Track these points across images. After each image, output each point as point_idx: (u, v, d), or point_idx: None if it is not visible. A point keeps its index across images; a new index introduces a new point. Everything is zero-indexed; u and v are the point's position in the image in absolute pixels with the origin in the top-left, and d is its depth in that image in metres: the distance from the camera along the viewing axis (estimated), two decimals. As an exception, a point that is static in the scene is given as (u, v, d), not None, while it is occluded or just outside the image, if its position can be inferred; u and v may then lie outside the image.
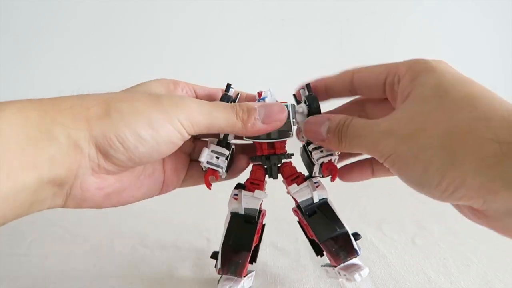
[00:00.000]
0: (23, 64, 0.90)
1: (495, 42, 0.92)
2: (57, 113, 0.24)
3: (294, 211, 0.34)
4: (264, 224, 0.35)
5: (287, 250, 0.42)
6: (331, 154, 0.31)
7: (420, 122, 0.23)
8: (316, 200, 0.31)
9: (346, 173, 0.34)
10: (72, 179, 0.24)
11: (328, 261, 0.34)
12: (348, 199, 0.58)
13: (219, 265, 0.31)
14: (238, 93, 0.33)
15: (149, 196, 0.31)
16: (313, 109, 0.31)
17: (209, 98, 0.33)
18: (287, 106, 0.30)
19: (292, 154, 0.33)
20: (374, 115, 0.33)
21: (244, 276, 0.32)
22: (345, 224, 0.31)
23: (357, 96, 0.33)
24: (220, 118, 0.27)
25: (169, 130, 0.26)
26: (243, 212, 0.31)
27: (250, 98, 0.33)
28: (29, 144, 0.22)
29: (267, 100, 0.31)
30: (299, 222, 0.34)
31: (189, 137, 0.27)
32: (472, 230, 0.47)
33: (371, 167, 0.33)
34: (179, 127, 0.26)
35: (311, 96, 0.31)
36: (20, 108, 0.23)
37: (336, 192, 0.60)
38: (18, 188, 0.22)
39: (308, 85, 0.32)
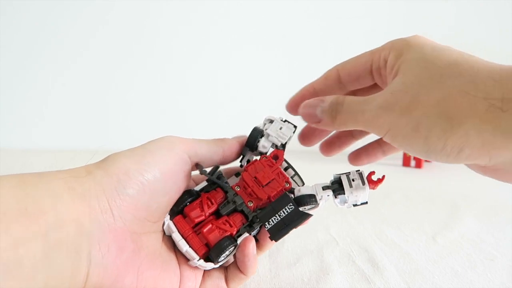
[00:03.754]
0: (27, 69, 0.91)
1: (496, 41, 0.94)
2: (56, 172, 0.23)
3: None
4: None
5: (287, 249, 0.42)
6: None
7: (414, 94, 0.24)
8: None
9: (354, 158, 0.35)
10: (86, 239, 0.22)
11: None
12: (367, 205, 0.58)
13: None
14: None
15: None
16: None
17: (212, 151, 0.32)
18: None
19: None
20: None
21: None
22: None
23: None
24: (208, 140, 0.30)
25: (166, 152, 0.27)
26: None
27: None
28: (28, 205, 0.20)
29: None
30: None
31: (189, 158, 0.28)
32: (491, 229, 0.48)
33: (380, 148, 0.34)
34: (173, 147, 0.27)
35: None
36: (17, 174, 0.22)
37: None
38: (21, 257, 0.19)
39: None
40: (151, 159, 0.26)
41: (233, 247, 0.28)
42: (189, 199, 0.29)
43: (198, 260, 0.28)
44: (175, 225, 0.28)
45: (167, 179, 0.27)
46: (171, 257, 0.28)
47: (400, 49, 0.27)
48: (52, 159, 0.81)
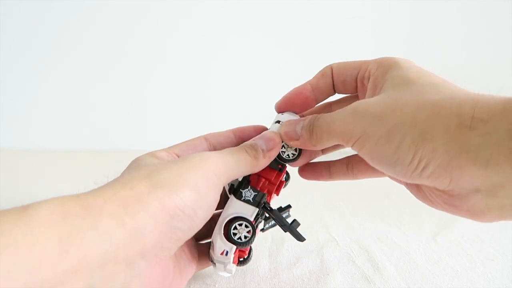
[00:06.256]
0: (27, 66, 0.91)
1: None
2: (103, 202, 0.21)
3: None
4: None
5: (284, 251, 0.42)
6: None
7: (390, 104, 0.24)
8: None
9: (305, 171, 0.35)
10: (137, 275, 0.22)
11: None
12: (367, 205, 0.58)
13: None
14: None
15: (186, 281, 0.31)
16: None
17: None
18: None
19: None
20: None
21: None
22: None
23: (325, 102, 0.34)
24: (242, 160, 0.28)
25: (212, 186, 0.26)
26: None
27: None
28: (71, 245, 0.18)
29: None
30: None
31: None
32: (491, 229, 0.48)
33: (328, 169, 0.34)
34: (217, 180, 0.26)
35: None
36: (58, 205, 0.19)
37: (356, 200, 0.60)
38: None
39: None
40: (204, 196, 0.25)
41: (249, 230, 0.29)
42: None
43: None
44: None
45: (209, 214, 0.26)
46: (180, 250, 0.29)
47: (388, 67, 0.28)
48: (52, 159, 0.81)
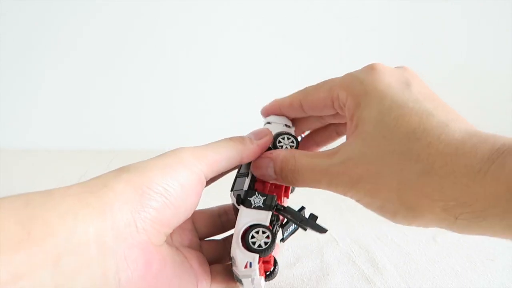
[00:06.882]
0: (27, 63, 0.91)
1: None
2: (66, 189, 0.21)
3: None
4: None
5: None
6: None
7: (375, 174, 0.24)
8: None
9: (311, 145, 0.35)
10: (112, 258, 0.21)
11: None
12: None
13: None
14: None
15: None
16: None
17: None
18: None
19: None
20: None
21: None
22: None
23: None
24: (224, 146, 0.28)
25: (184, 168, 0.25)
26: None
27: None
28: (31, 228, 0.18)
29: None
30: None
31: (205, 179, 0.27)
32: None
33: (334, 130, 0.34)
34: (190, 164, 0.25)
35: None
36: (22, 195, 0.19)
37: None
38: None
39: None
40: (173, 175, 0.24)
41: (267, 235, 0.27)
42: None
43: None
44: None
45: (187, 197, 0.25)
46: (183, 260, 0.28)
47: (358, 96, 0.26)
48: (52, 159, 0.81)
